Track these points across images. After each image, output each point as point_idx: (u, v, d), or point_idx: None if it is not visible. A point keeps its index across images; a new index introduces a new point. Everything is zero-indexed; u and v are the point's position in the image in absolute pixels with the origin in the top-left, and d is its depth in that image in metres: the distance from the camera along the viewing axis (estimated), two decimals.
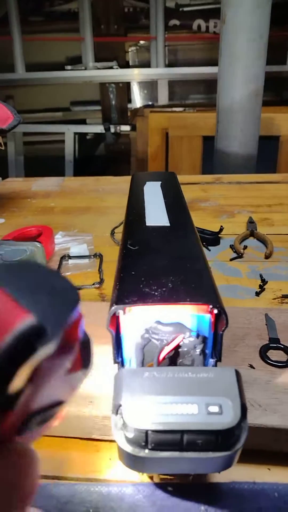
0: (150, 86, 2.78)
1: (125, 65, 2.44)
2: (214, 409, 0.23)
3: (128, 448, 0.23)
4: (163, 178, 0.63)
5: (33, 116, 2.63)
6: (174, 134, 2.08)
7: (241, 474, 0.31)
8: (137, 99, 2.65)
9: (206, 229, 0.72)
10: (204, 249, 0.67)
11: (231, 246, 0.68)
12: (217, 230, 0.71)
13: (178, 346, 0.28)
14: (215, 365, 0.29)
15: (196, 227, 0.73)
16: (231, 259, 0.64)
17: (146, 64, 2.38)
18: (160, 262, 0.33)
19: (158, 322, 0.28)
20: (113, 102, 2.48)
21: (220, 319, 0.28)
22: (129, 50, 2.52)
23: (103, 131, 2.29)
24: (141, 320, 0.29)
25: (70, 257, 0.67)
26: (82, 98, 2.68)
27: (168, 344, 0.27)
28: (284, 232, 0.73)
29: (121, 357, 0.29)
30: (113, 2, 2.32)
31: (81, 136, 2.50)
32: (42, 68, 2.34)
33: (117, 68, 2.25)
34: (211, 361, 0.29)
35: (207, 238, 0.69)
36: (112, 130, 2.32)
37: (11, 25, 2.17)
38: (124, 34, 2.38)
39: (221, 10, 1.00)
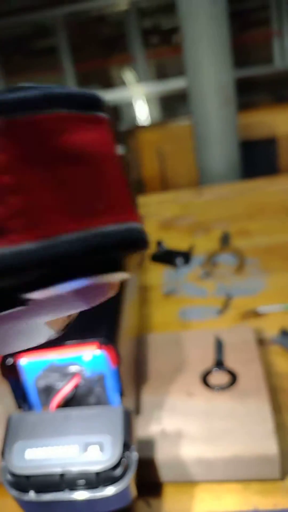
0: (141, 104, 2.86)
1: (110, 87, 2.53)
2: (94, 448, 0.24)
3: (14, 493, 0.24)
4: None
5: None
6: (167, 149, 2.12)
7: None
8: (127, 119, 2.73)
9: (177, 250, 0.74)
10: (173, 271, 0.69)
11: (201, 264, 0.68)
12: (188, 249, 0.72)
13: (76, 387, 0.29)
14: (120, 399, 0.30)
15: (168, 249, 0.75)
16: (199, 278, 0.65)
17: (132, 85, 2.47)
18: None
19: (54, 364, 0.30)
20: None
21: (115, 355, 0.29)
22: (113, 73, 2.62)
23: None
24: (38, 363, 0.30)
25: None
26: None
27: (62, 388, 0.29)
28: (260, 242, 0.73)
29: (28, 402, 0.31)
30: (90, 31, 2.44)
31: None
32: None
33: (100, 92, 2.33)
34: (117, 396, 0.30)
35: (176, 259, 0.70)
36: None
37: None
38: (105, 58, 2.48)
39: (179, 25, 1.04)
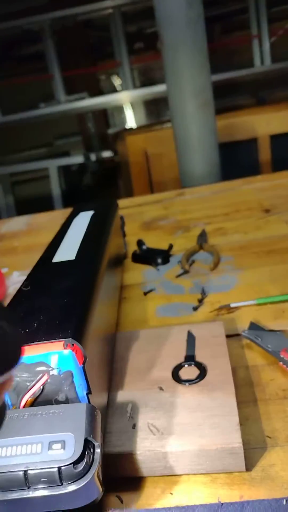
0: (128, 109, 2.86)
1: (98, 93, 2.52)
2: (56, 446, 0.24)
3: None
4: (100, 208, 0.65)
5: (17, 156, 2.73)
6: (153, 152, 2.12)
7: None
8: (116, 123, 2.72)
9: (158, 249, 0.73)
10: (154, 270, 0.68)
11: (179, 263, 0.68)
12: (167, 248, 0.72)
13: (44, 385, 0.29)
14: (87, 397, 0.29)
15: (149, 248, 0.75)
16: (177, 276, 0.65)
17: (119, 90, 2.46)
18: (42, 301, 0.35)
19: (22, 363, 0.29)
20: (93, 130, 2.56)
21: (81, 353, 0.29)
22: (100, 78, 2.61)
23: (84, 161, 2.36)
24: None
25: None
26: (64, 131, 2.77)
27: (31, 387, 0.28)
28: (234, 240, 0.73)
29: None
30: (77, 37, 2.42)
31: (66, 169, 2.57)
32: (19, 109, 2.44)
33: (87, 98, 2.32)
34: (84, 393, 0.30)
35: (156, 258, 0.70)
36: (94, 158, 2.38)
37: None
38: (92, 64, 2.47)
39: (158, 32, 1.04)
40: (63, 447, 0.24)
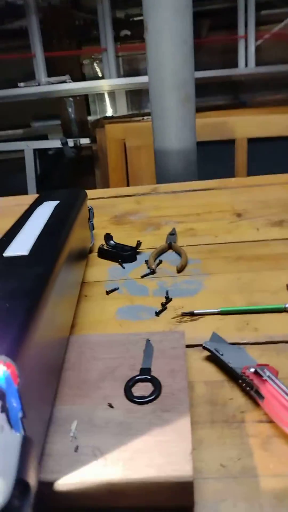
0: (109, 98, 2.77)
1: (80, 78, 2.42)
2: None
3: None
4: (65, 197, 0.60)
5: None
6: (132, 144, 2.06)
7: None
8: (97, 111, 2.63)
9: (126, 245, 0.69)
10: (119, 267, 0.64)
11: (146, 262, 0.64)
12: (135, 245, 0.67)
13: None
14: (22, 423, 0.25)
15: (117, 244, 0.70)
16: (142, 276, 0.60)
17: (102, 76, 2.37)
18: None
19: None
20: (72, 116, 2.45)
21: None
22: (84, 62, 2.51)
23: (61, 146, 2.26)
24: None
25: None
26: (43, 113, 2.65)
27: None
28: (204, 242, 0.70)
29: None
30: (63, 17, 2.30)
31: (42, 152, 2.46)
32: None
33: (70, 82, 2.22)
34: (18, 418, 0.25)
35: (123, 255, 0.66)
36: (71, 143, 2.28)
37: None
38: (77, 47, 2.36)
39: (143, 19, 0.98)
40: None
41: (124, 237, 0.74)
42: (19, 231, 0.45)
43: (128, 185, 2.10)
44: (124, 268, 0.64)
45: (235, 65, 2.30)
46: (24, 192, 2.36)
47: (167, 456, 0.28)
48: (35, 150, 2.31)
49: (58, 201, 0.57)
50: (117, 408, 0.33)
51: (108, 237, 0.70)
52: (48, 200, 0.58)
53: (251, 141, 1.95)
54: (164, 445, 0.29)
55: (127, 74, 2.51)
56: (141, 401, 0.33)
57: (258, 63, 2.22)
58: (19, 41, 2.38)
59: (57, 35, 2.30)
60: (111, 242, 0.70)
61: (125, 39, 2.39)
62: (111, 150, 2.10)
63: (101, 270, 0.64)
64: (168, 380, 0.36)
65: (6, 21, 2.38)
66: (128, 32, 2.36)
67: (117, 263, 0.65)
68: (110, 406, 0.33)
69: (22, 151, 2.38)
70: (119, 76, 2.28)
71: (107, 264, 0.66)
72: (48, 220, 0.49)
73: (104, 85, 2.28)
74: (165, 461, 0.28)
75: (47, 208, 0.54)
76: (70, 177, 2.54)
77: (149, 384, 0.35)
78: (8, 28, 2.42)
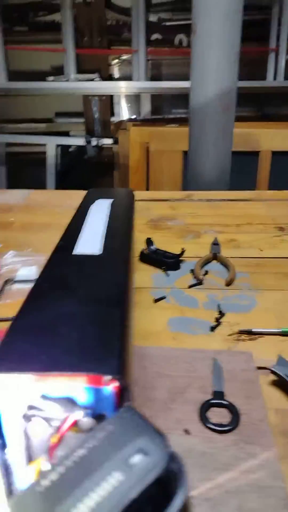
0: (133, 100, 2.75)
1: (108, 78, 2.39)
2: (136, 457, 0.17)
3: None
4: (118, 196, 0.57)
5: (16, 126, 2.57)
6: (155, 148, 2.04)
7: None
8: (121, 113, 2.61)
9: (167, 252, 0.66)
10: (163, 274, 0.61)
11: (192, 271, 0.61)
12: (179, 252, 0.64)
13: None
14: None
15: (158, 250, 0.67)
16: (190, 286, 0.57)
17: (129, 78, 2.34)
18: (67, 307, 0.27)
19: (44, 397, 0.21)
20: (96, 115, 2.43)
21: (125, 392, 0.21)
22: (112, 63, 2.49)
23: (85, 144, 2.24)
24: (23, 392, 0.22)
25: (15, 281, 0.60)
26: (67, 109, 2.63)
27: (60, 431, 0.20)
28: (249, 255, 0.67)
29: (1, 437, 0.22)
30: (96, 15, 2.28)
31: (64, 149, 2.44)
32: (25, 77, 2.28)
33: (98, 80, 2.20)
34: None
35: (167, 262, 0.63)
36: (94, 143, 2.26)
37: None
38: (107, 46, 2.34)
39: (192, 21, 0.96)
40: (146, 453, 0.17)
41: (163, 242, 0.71)
42: (82, 228, 0.42)
43: (147, 189, 2.07)
44: (168, 275, 0.61)
45: (260, 77, 2.28)
46: (43, 187, 2.34)
47: (264, 498, 0.25)
48: (57, 146, 2.29)
49: (111, 200, 0.54)
50: (194, 435, 0.30)
51: (149, 241, 0.67)
52: (99, 198, 0.55)
53: (276, 154, 1.93)
54: (256, 485, 0.26)
55: (152, 78, 2.48)
56: (220, 429, 0.30)
57: (286, 76, 2.20)
58: (50, 35, 2.37)
59: (89, 33, 2.28)
60: (152, 247, 0.67)
61: (155, 42, 2.37)
62: (134, 152, 2.07)
63: (145, 276, 0.61)
64: (245, 407, 0.32)
65: (40, 13, 2.36)
66: (160, 36, 2.34)
67: (160, 270, 0.62)
68: (187, 432, 0.30)
69: (43, 145, 2.36)
70: (147, 79, 2.26)
71: (149, 270, 0.63)
72: (109, 220, 0.46)
73: (132, 86, 2.25)
74: (261, 503, 0.25)
75: (103, 207, 0.51)
76: (89, 176, 2.51)
77: (224, 410, 0.32)
78: (41, 21, 2.40)
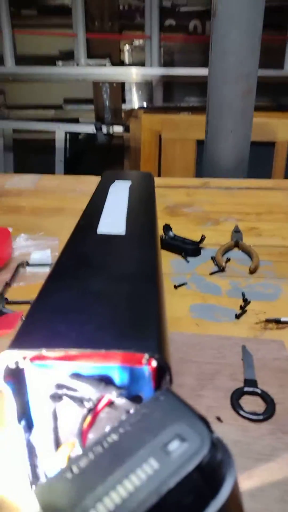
0: (145, 87, 2.71)
1: (119, 64, 2.36)
2: (174, 444, 0.16)
3: None
4: (136, 179, 0.55)
5: (24, 113, 2.55)
6: (167, 136, 2.01)
7: None
8: (132, 100, 2.57)
9: (186, 238, 0.64)
10: (182, 261, 0.59)
11: (213, 258, 0.59)
12: (198, 239, 0.62)
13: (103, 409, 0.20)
14: None
15: (176, 236, 0.66)
16: (211, 273, 0.56)
17: (141, 64, 2.31)
18: (96, 285, 0.25)
19: (76, 376, 0.20)
20: (107, 102, 2.40)
21: (164, 374, 0.19)
22: (124, 49, 2.45)
23: (95, 131, 2.21)
24: (52, 370, 0.20)
25: (28, 265, 0.58)
26: (76, 96, 2.60)
27: (93, 413, 0.19)
28: (272, 244, 0.65)
29: (28, 418, 0.21)
30: None
31: (73, 135, 2.42)
32: (33, 62, 2.25)
33: (109, 66, 2.16)
34: None
35: (187, 248, 0.61)
36: (105, 130, 2.23)
37: (1, 18, 2.09)
38: (118, 31, 2.30)
39: (212, 2, 0.93)
40: (184, 439, 0.16)
41: (181, 229, 0.69)
42: (102, 208, 0.41)
43: (159, 176, 2.05)
44: (188, 262, 0.59)
45: (277, 66, 2.23)
46: (53, 173, 2.32)
47: None
48: (66, 133, 2.26)
49: (130, 182, 0.52)
50: (226, 422, 0.29)
51: (167, 227, 0.66)
52: (118, 180, 0.53)
53: None
54: None
55: (164, 65, 2.44)
56: (255, 418, 0.29)
57: None
58: (59, 19, 2.33)
59: (100, 17, 2.24)
60: (171, 233, 0.65)
61: (168, 28, 2.33)
62: (145, 140, 2.05)
63: (164, 261, 0.59)
64: (279, 396, 0.31)
65: None
66: (174, 22, 2.30)
67: (179, 256, 0.60)
68: (219, 419, 0.29)
69: (52, 132, 2.34)
70: (160, 65, 2.22)
71: (168, 256, 0.61)
72: (129, 201, 0.44)
73: (144, 73, 2.22)
74: None
75: (122, 188, 0.49)
76: (98, 164, 2.49)
77: (257, 399, 0.31)
78: (51, 5, 2.36)
